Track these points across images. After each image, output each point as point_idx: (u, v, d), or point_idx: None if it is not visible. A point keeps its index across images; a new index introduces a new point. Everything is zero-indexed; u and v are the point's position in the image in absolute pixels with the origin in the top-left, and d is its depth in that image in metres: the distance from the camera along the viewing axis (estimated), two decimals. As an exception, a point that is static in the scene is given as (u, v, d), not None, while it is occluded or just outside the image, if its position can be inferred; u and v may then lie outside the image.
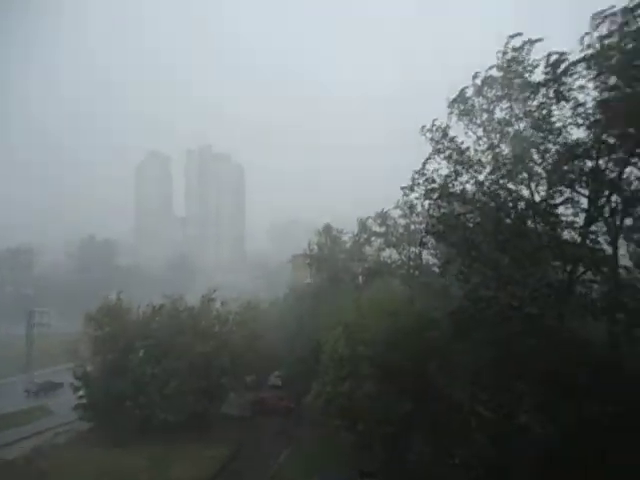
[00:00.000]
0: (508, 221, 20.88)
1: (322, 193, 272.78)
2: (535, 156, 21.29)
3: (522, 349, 18.36)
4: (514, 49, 21.51)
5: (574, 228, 20.44)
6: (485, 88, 22.33)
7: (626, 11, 18.38)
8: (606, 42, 18.86)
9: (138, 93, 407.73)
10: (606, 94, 19.08)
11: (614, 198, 19.69)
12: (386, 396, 26.70)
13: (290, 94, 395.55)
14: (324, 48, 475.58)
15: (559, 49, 20.23)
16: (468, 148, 23.19)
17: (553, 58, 20.47)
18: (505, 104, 22.22)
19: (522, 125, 21.62)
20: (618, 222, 19.77)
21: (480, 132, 22.86)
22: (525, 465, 17.35)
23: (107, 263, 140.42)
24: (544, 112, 20.72)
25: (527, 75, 21.54)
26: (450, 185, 23.04)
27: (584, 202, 20.24)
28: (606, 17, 18.88)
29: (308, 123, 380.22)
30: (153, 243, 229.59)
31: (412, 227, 47.68)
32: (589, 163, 19.66)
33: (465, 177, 22.97)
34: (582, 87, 20.00)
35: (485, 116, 22.66)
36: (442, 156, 23.51)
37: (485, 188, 22.04)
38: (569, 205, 20.51)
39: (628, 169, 19.40)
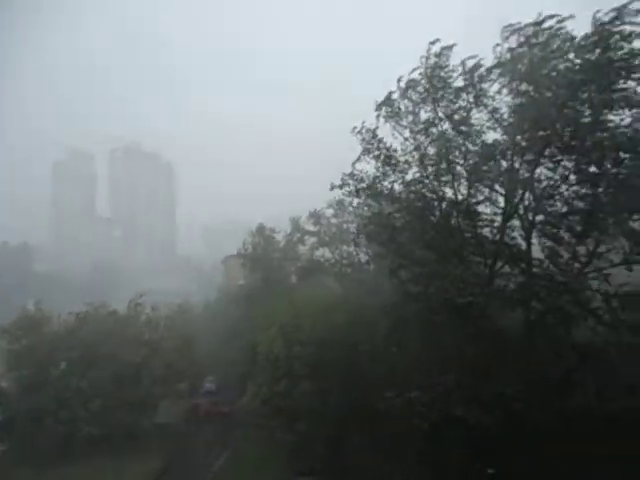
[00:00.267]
0: (433, 219, 21.83)
1: (258, 191, 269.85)
2: (457, 157, 22.41)
3: (450, 341, 19.24)
4: (435, 55, 22.37)
5: (493, 225, 21.82)
6: (409, 91, 23.09)
7: (533, 25, 19.87)
8: (516, 52, 20.25)
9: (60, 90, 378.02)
10: (518, 100, 20.50)
11: (527, 196, 21.18)
12: (321, 394, 26.89)
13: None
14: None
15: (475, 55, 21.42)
16: (395, 149, 23.93)
17: (469, 64, 21.63)
18: (429, 106, 23.12)
19: (445, 127, 22.62)
20: (531, 218, 21.28)
21: (407, 133, 23.66)
22: (460, 456, 18.19)
23: (23, 269, 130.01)
24: (464, 115, 21.87)
25: (449, 80, 22.52)
26: (379, 185, 23.65)
27: (501, 201, 21.65)
28: (515, 30, 20.31)
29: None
30: (75, 247, 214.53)
31: (344, 226, 48.51)
32: (505, 164, 21.02)
33: (393, 177, 23.70)
34: (498, 92, 21.34)
35: (410, 118, 23.45)
36: (371, 156, 24.08)
37: (412, 188, 22.87)
38: (488, 203, 21.88)
39: (539, 169, 20.95)
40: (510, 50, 20.42)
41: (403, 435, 18.12)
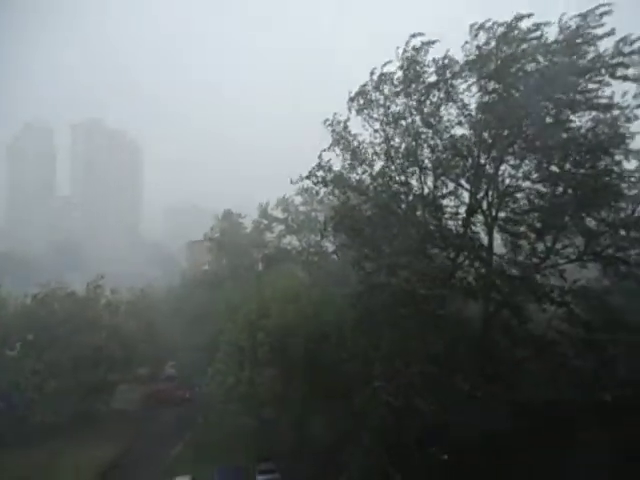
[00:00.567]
0: (400, 212, 22.16)
1: (224, 177, 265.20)
2: (425, 150, 22.74)
3: (414, 332, 19.65)
4: (414, 48, 22.44)
5: (457, 219, 22.35)
6: (382, 84, 23.18)
7: (504, 25, 20.25)
8: (485, 50, 20.61)
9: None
10: (486, 97, 20.94)
11: (491, 192, 21.76)
12: (285, 380, 27.06)
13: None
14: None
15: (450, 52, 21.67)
16: (364, 141, 24.08)
17: (440, 62, 21.87)
18: (400, 100, 23.27)
19: (415, 120, 22.86)
20: (494, 214, 21.89)
21: (377, 125, 23.78)
22: (417, 442, 18.72)
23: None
24: (434, 110, 22.17)
25: (422, 74, 22.67)
26: (346, 176, 23.77)
27: (466, 195, 22.17)
28: (484, 29, 20.65)
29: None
30: (32, 227, 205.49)
31: (313, 214, 48.54)
32: (471, 160, 21.49)
33: (361, 169, 23.86)
34: (467, 89, 21.69)
35: (382, 110, 23.57)
36: (340, 147, 24.13)
37: (379, 180, 23.10)
38: (453, 197, 22.37)
39: (503, 166, 21.54)
40: (478, 48, 20.75)
41: (364, 421, 18.48)
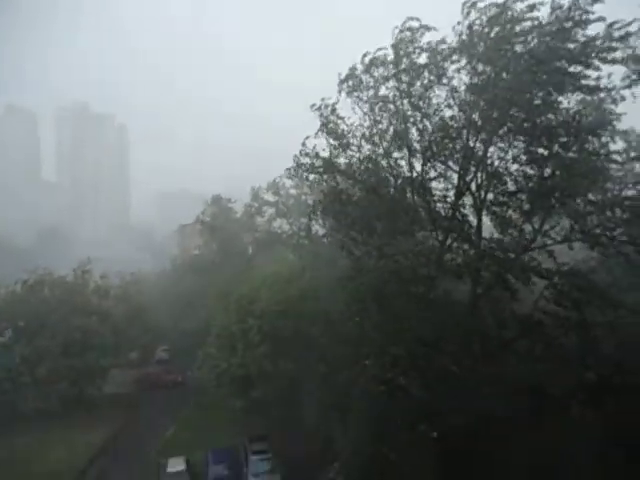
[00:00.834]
0: (389, 195, 22.20)
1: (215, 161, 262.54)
2: (414, 133, 22.68)
3: (402, 313, 19.85)
4: (409, 29, 22.22)
5: (446, 201, 22.45)
6: (373, 67, 22.98)
7: (497, 6, 20.04)
8: (476, 31, 20.44)
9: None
10: (475, 79, 20.83)
11: (480, 174, 21.82)
12: (274, 359, 27.35)
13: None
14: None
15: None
16: (353, 124, 23.94)
17: (434, 44, 21.69)
18: (391, 83, 23.09)
19: (404, 103, 22.72)
20: (483, 196, 22.00)
21: (366, 108, 23.62)
22: (407, 419, 19.06)
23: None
24: (423, 92, 22.05)
25: (414, 57, 22.49)
26: (334, 160, 23.68)
27: (455, 177, 22.21)
28: (474, 7, 20.44)
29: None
30: (18, 212, 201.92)
31: (303, 197, 48.42)
32: (460, 142, 21.47)
33: (349, 153, 23.78)
34: (457, 71, 21.55)
35: (372, 92, 23.40)
36: (328, 131, 23.97)
37: (368, 164, 23.09)
38: (442, 180, 22.43)
39: (492, 148, 21.56)
40: (469, 28, 20.56)
41: (354, 400, 18.76)
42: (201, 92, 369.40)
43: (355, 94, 23.51)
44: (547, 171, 20.09)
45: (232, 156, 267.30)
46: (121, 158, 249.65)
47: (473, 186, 21.85)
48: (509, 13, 19.92)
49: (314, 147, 23.88)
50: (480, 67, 20.48)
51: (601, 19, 18.30)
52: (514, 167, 21.15)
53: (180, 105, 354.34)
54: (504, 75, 19.89)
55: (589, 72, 18.91)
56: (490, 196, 21.85)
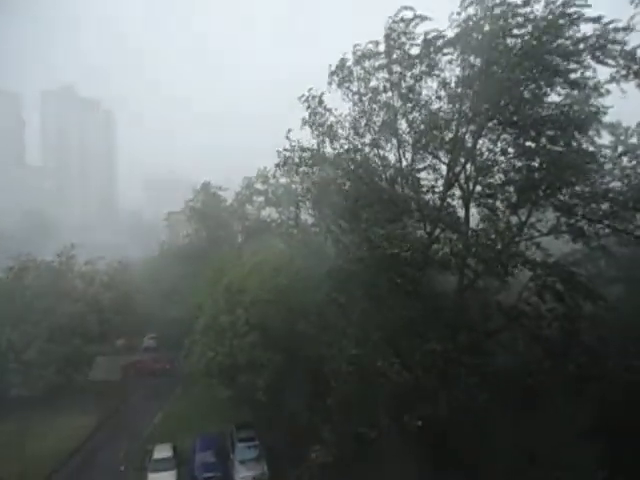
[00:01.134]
0: (377, 185, 22.27)
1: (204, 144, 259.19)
2: (403, 124, 22.69)
3: (389, 301, 19.99)
4: (402, 20, 22.02)
5: (434, 192, 22.59)
6: (363, 59, 22.84)
7: None
8: (470, 24, 20.37)
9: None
10: (467, 71, 20.83)
11: (469, 166, 21.95)
12: (262, 347, 27.41)
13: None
14: None
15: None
16: (341, 114, 23.86)
17: (429, 35, 21.55)
18: (382, 74, 22.98)
19: (395, 94, 22.67)
20: (471, 187, 22.15)
21: (356, 99, 23.54)
22: (390, 408, 19.31)
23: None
24: (414, 83, 22.01)
25: (407, 48, 22.36)
26: (322, 152, 23.62)
27: (444, 169, 22.32)
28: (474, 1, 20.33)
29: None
30: (1, 197, 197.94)
31: (293, 186, 48.18)
32: (449, 133, 21.53)
33: (337, 144, 23.73)
34: (449, 62, 21.51)
35: (362, 84, 23.30)
36: (317, 123, 23.86)
37: (357, 155, 23.10)
38: (430, 171, 22.53)
39: (481, 141, 21.67)
40: (466, 21, 20.47)
41: (337, 386, 18.91)
42: (193, 78, 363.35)
43: (345, 85, 23.40)
44: (534, 164, 20.27)
45: (225, 143, 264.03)
46: (108, 143, 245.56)
47: (462, 177, 21.98)
48: (503, 7, 19.86)
49: (297, 141, 23.74)
50: (472, 59, 20.47)
51: (598, 18, 18.33)
52: (502, 159, 21.31)
53: (169, 91, 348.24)
54: (495, 68, 19.92)
55: (580, 68, 19.03)
56: (478, 188, 22.02)
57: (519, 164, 20.77)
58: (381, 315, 19.46)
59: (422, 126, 21.76)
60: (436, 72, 21.79)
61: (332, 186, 23.06)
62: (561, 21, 18.77)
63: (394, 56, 22.33)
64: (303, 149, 23.63)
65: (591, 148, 19.91)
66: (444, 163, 22.24)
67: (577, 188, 19.57)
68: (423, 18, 21.71)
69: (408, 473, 20.99)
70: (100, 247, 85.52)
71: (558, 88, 19.61)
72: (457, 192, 22.40)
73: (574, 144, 19.35)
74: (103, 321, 41.50)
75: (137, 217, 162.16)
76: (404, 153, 22.85)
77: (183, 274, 48.26)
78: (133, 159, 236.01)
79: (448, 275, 22.20)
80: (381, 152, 23.10)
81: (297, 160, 23.68)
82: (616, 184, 21.31)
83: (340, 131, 23.81)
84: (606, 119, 20.68)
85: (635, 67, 18.19)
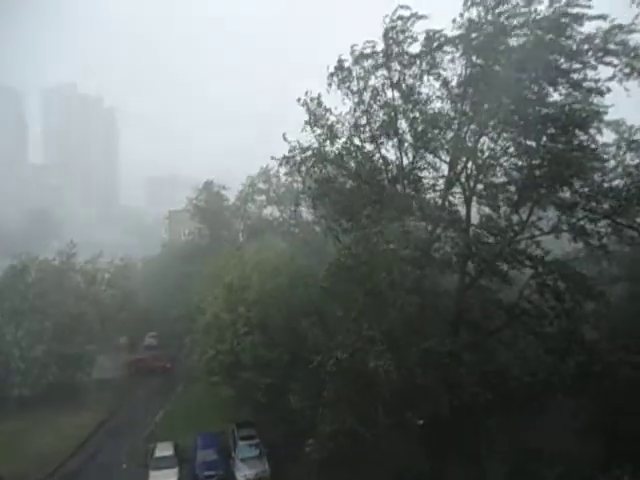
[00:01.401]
0: (378, 184, 22.25)
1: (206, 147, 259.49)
2: (404, 123, 22.63)
3: (387, 300, 19.93)
4: (400, 18, 21.98)
5: (435, 191, 22.56)
6: (362, 59, 22.79)
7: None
8: (473, 24, 20.29)
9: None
10: (468, 70, 20.78)
11: (470, 165, 21.89)
12: (264, 346, 27.43)
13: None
14: None
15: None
16: (341, 113, 23.82)
17: (431, 34, 21.47)
18: (381, 72, 22.93)
19: (395, 94, 22.63)
20: (472, 186, 22.10)
21: (356, 99, 23.49)
22: (391, 406, 19.30)
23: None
24: (414, 83, 21.97)
25: (406, 46, 22.31)
26: (324, 151, 23.56)
27: (445, 168, 22.27)
28: (477, 3, 20.24)
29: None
30: (2, 195, 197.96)
31: (294, 185, 48.27)
32: (450, 132, 21.48)
33: (339, 143, 23.67)
34: (451, 61, 21.43)
35: (362, 83, 23.25)
36: (318, 124, 23.81)
37: (357, 153, 23.07)
38: (431, 170, 22.50)
39: (482, 139, 21.61)
40: (470, 22, 20.40)
41: (333, 381, 18.87)
42: (193, 77, 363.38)
43: (345, 85, 23.35)
44: (536, 163, 20.21)
45: (222, 145, 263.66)
46: (110, 141, 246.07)
47: (463, 177, 21.93)
48: (506, 6, 19.78)
49: (298, 142, 23.70)
50: (474, 59, 20.41)
51: (602, 17, 18.23)
52: (504, 158, 21.25)
53: (172, 89, 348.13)
54: (497, 67, 19.85)
55: (582, 69, 18.95)
56: (480, 187, 21.97)
57: (520, 163, 20.71)
58: (380, 312, 19.41)
59: (423, 125, 21.68)
60: (438, 71, 21.72)
61: (333, 184, 23.02)
62: (564, 20, 18.68)
63: (393, 55, 22.26)
64: (304, 149, 23.59)
65: (592, 146, 19.82)
66: (445, 162, 22.19)
67: (578, 186, 19.51)
68: (420, 16, 21.67)
69: (410, 471, 21.04)
70: (102, 245, 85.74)
71: (560, 87, 19.51)
72: (458, 191, 22.34)
73: (575, 142, 19.28)
74: (105, 319, 41.58)
75: (139, 215, 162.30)
76: (405, 152, 22.81)
77: (185, 272, 48.37)
78: (135, 156, 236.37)
79: (449, 274, 22.18)
80: (382, 151, 23.04)
81: (298, 159, 23.63)
82: (619, 182, 21.22)
83: (341, 130, 23.75)
84: (610, 117, 20.58)
85: (639, 65, 18.09)
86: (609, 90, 18.98)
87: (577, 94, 19.38)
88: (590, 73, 18.91)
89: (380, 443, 19.43)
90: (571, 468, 17.87)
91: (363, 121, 23.21)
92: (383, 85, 22.66)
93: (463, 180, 21.96)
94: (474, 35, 20.22)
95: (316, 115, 23.80)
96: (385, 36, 22.33)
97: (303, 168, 23.69)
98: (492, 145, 21.27)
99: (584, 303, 19.08)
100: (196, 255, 50.28)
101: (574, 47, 18.75)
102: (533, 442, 20.02)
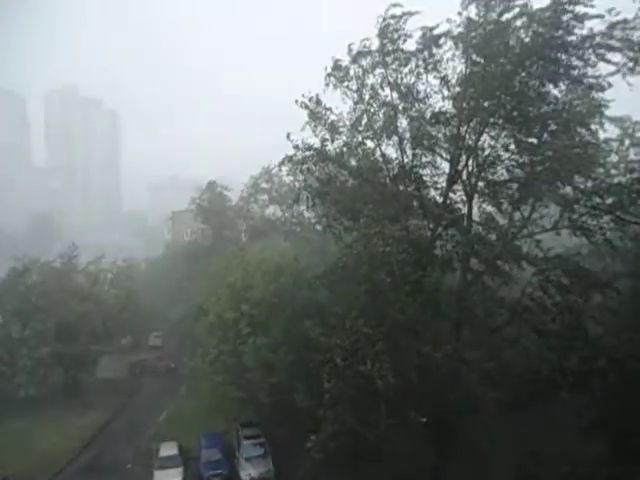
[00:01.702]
0: (379, 182, 22.23)
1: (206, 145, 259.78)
2: (404, 121, 22.60)
3: (389, 300, 19.91)
4: (392, 17, 21.97)
5: (436, 188, 22.53)
6: (360, 58, 22.77)
7: None
8: (471, 22, 20.26)
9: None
10: (468, 68, 20.75)
11: (471, 163, 21.84)
12: (268, 348, 27.46)
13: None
14: None
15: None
16: (341, 113, 23.79)
17: (427, 31, 21.45)
18: (379, 70, 22.90)
19: (393, 92, 22.59)
20: (473, 184, 22.05)
21: (356, 97, 23.46)
22: (394, 405, 19.29)
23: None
24: (412, 80, 21.94)
25: (401, 43, 22.28)
26: (325, 150, 23.54)
27: (446, 166, 22.22)
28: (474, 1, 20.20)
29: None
30: (6, 198, 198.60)
31: (296, 184, 48.33)
32: (451, 130, 21.44)
33: (339, 142, 23.65)
34: (451, 59, 21.40)
35: (360, 82, 23.23)
36: (318, 123, 23.78)
37: (358, 151, 23.05)
38: (432, 167, 22.45)
39: (483, 137, 21.55)
40: (468, 20, 20.36)
41: (340, 385, 18.86)
42: (197, 77, 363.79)
43: (344, 84, 23.33)
44: (537, 160, 20.16)
45: (226, 145, 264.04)
46: (112, 143, 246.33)
47: (464, 174, 21.88)
48: (505, 3, 19.73)
49: (301, 140, 23.68)
50: (473, 56, 20.37)
51: (600, 16, 18.15)
52: (505, 155, 21.20)
53: (174, 92, 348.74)
54: (496, 64, 19.79)
55: (584, 66, 18.87)
56: (481, 184, 21.91)
57: (521, 160, 20.65)
58: (380, 312, 19.41)
59: (422, 123, 21.65)
60: (436, 68, 21.68)
61: (334, 182, 22.99)
62: (564, 17, 18.61)
63: (388, 52, 22.24)
64: (306, 148, 23.59)
65: (594, 142, 19.75)
66: (446, 160, 22.14)
67: (579, 181, 19.44)
68: (412, 13, 21.64)
69: (413, 469, 21.04)
70: (104, 247, 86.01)
71: (561, 83, 19.45)
72: (459, 188, 22.29)
73: (577, 138, 19.21)
74: (108, 320, 41.73)
75: (141, 217, 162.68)
76: (405, 150, 22.77)
77: (188, 273, 48.56)
78: (137, 158, 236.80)
79: (451, 273, 22.13)
80: (382, 149, 23.01)
81: (300, 158, 23.62)
82: (622, 178, 21.13)
83: (341, 128, 23.73)
84: (614, 113, 20.47)
85: None
86: (610, 85, 18.91)
87: (578, 90, 19.32)
88: (591, 70, 18.84)
89: (383, 442, 19.42)
90: (575, 467, 17.78)
91: (364, 120, 23.19)
92: (381, 83, 22.62)
93: (464, 178, 21.90)
94: (473, 34, 20.20)
95: (316, 114, 23.77)
96: (380, 34, 22.32)
97: (304, 167, 23.67)
98: (493, 142, 21.22)
99: (591, 296, 18.96)
100: (199, 255, 50.44)
101: (575, 44, 18.68)
102: (537, 440, 19.94)
